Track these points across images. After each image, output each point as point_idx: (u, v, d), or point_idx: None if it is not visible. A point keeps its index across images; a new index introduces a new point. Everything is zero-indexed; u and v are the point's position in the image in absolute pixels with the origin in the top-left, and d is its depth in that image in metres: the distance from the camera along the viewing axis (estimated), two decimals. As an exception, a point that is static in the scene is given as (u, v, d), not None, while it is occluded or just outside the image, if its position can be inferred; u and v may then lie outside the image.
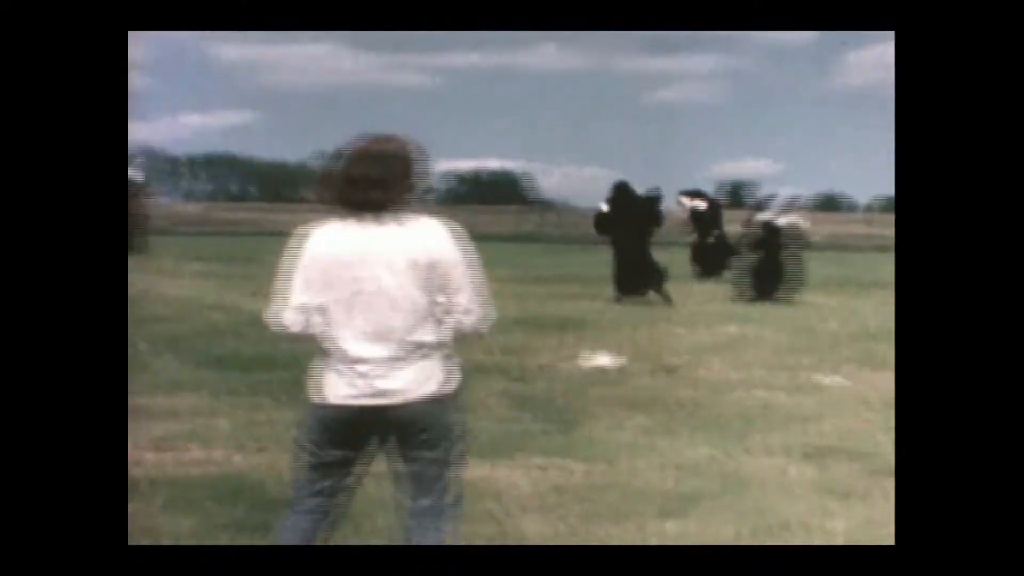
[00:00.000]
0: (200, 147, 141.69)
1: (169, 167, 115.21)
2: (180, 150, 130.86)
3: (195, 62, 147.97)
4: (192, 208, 72.15)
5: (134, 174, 29.91)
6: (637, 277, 20.30)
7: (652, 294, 20.11)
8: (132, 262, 24.74)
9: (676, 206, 27.57)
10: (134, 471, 7.98)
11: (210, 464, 8.40)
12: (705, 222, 27.75)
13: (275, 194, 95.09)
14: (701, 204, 28.08)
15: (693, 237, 27.83)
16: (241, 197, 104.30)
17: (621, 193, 21.21)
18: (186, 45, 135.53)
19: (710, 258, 26.76)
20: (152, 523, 6.86)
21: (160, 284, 20.26)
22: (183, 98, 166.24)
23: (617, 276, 20.54)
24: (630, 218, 20.76)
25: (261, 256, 24.77)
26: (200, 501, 7.39)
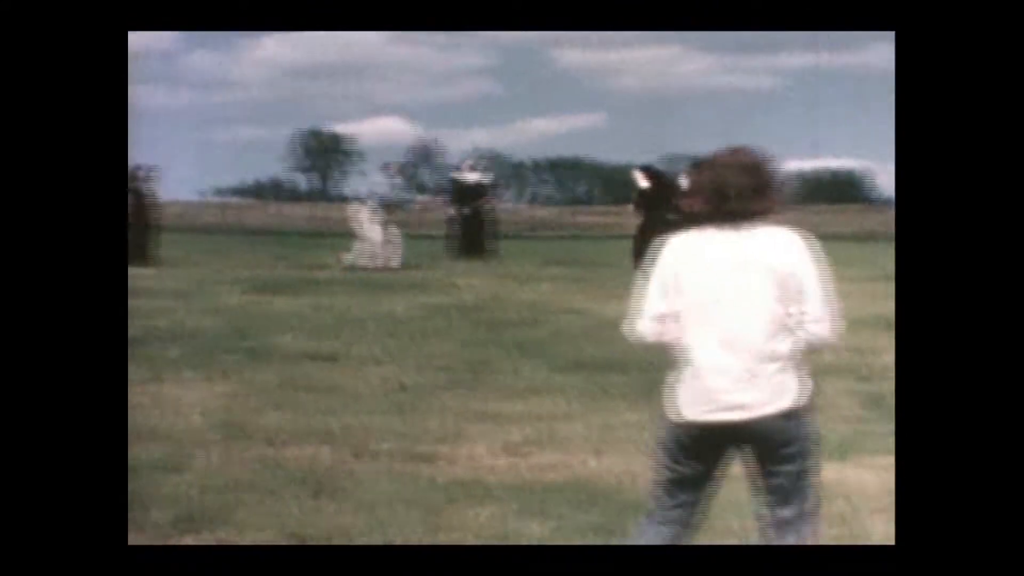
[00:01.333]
0: (546, 151, 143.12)
1: (516, 172, 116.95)
2: (526, 154, 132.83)
3: (539, 66, 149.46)
4: (543, 212, 72.85)
5: (481, 178, 29.69)
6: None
7: None
8: (477, 266, 25.29)
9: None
10: (488, 477, 8.19)
11: (566, 468, 8.47)
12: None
13: (624, 198, 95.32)
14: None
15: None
16: (588, 201, 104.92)
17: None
18: (530, 49, 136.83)
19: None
20: (506, 528, 7.01)
21: (513, 288, 20.62)
22: (529, 102, 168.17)
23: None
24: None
25: (612, 259, 24.97)
26: (555, 506, 7.46)
